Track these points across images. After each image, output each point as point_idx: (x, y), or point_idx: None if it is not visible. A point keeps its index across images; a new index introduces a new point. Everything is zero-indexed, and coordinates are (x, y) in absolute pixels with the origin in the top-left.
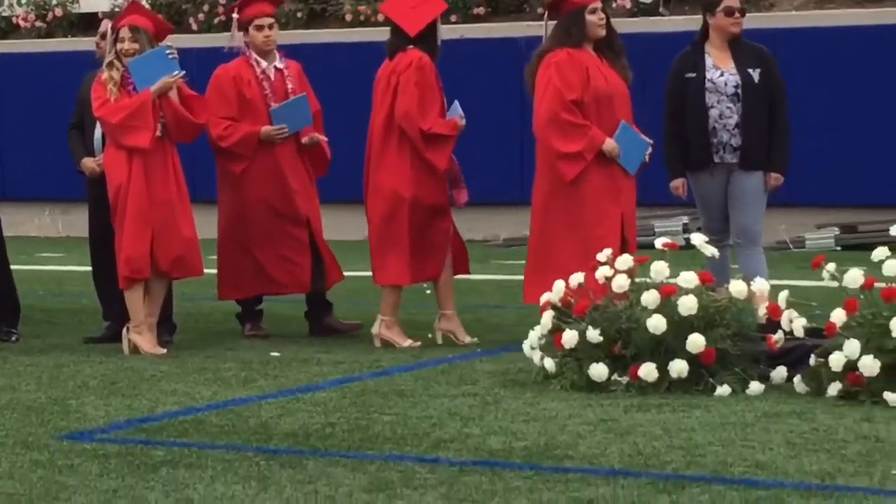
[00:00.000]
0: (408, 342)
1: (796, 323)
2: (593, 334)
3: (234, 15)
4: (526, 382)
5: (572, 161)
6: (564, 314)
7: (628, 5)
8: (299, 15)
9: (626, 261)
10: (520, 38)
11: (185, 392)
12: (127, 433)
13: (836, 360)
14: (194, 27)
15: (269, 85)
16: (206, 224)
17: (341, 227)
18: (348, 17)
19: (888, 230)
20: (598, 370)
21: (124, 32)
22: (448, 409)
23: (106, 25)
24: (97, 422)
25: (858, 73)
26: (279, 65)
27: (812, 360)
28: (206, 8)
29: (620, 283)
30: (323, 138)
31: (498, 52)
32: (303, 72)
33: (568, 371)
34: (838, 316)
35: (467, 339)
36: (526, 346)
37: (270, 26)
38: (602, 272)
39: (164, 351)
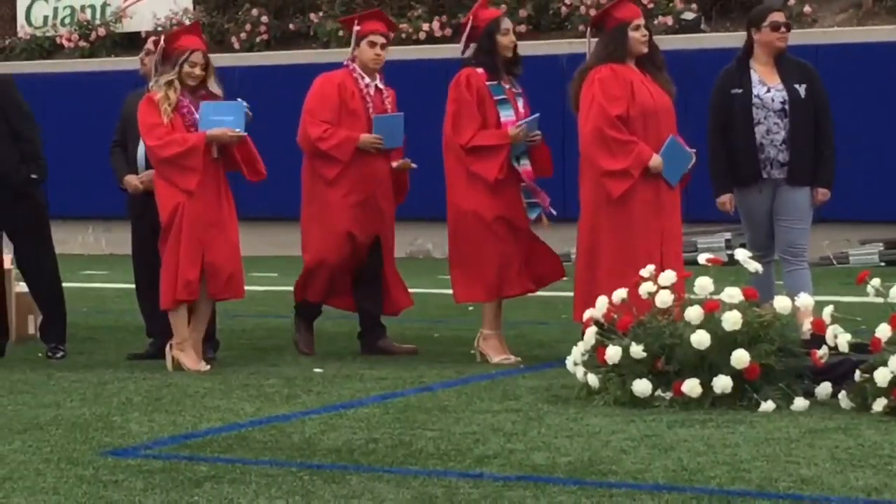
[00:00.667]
0: (499, 357)
1: (841, 338)
2: (636, 350)
3: (356, 27)
4: (569, 398)
5: (619, 178)
6: (608, 330)
7: (670, 22)
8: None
9: (669, 277)
10: (562, 55)
11: (228, 408)
12: (171, 449)
13: (882, 376)
14: (236, 46)
15: (371, 100)
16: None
17: None
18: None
19: None
20: (642, 386)
21: (197, 57)
22: (491, 424)
23: (151, 43)
24: (141, 438)
25: None
26: (380, 85)
27: (857, 376)
28: (248, 27)
29: (664, 299)
30: (413, 165)
31: (540, 69)
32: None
33: (611, 387)
34: (883, 331)
35: (497, 359)
36: (569, 361)
37: (383, 45)
38: (645, 288)
39: (208, 367)
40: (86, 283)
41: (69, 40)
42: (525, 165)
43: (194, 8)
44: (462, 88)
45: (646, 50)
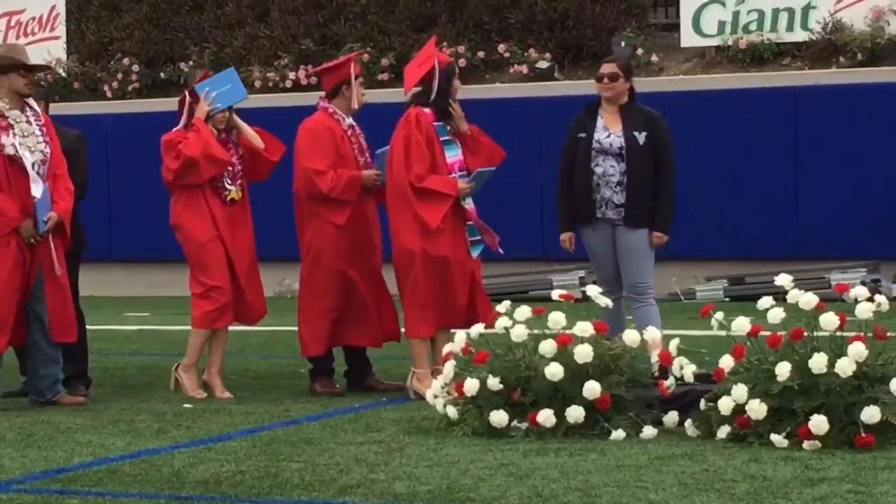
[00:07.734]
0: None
1: (687, 369)
2: (493, 382)
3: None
4: (429, 429)
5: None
6: (466, 363)
7: (525, 70)
8: None
9: (524, 312)
10: None
11: (99, 443)
12: (42, 483)
13: (726, 404)
14: (108, 94)
15: (355, 139)
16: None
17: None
18: (258, 84)
19: (773, 280)
20: (499, 416)
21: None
22: (354, 455)
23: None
24: (14, 473)
25: (743, 133)
26: (353, 123)
27: (702, 405)
28: (119, 76)
29: (519, 334)
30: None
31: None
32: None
33: (469, 418)
34: (726, 362)
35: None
36: (429, 394)
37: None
38: (501, 322)
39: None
40: None
41: None
42: (469, 204)
43: (68, 57)
44: (412, 127)
45: None
